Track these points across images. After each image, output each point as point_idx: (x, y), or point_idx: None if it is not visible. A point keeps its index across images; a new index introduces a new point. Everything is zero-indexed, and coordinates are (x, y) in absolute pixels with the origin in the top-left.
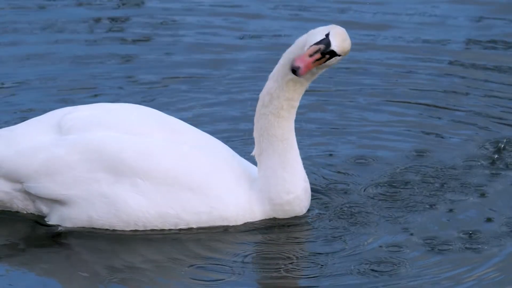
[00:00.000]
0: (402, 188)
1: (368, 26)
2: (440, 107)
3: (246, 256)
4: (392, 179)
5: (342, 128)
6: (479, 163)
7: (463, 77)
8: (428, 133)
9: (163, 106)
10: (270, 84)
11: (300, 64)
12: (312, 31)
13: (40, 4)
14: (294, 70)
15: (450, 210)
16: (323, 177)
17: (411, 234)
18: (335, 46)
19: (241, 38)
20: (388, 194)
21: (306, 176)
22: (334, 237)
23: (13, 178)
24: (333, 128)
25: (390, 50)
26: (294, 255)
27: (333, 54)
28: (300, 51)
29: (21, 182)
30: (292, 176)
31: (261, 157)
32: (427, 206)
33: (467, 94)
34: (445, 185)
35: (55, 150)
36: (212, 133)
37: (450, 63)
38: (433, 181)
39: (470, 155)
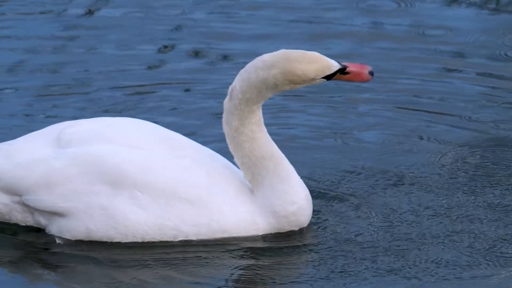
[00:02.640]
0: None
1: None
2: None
3: (242, 276)
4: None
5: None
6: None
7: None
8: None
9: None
10: (229, 118)
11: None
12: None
13: None
14: (371, 72)
15: (458, 227)
16: (318, 184)
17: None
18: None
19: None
20: (386, 203)
21: (303, 183)
22: (334, 256)
23: (12, 191)
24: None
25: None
26: (291, 274)
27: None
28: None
29: (20, 195)
30: (292, 187)
31: (254, 180)
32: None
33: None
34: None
35: (54, 163)
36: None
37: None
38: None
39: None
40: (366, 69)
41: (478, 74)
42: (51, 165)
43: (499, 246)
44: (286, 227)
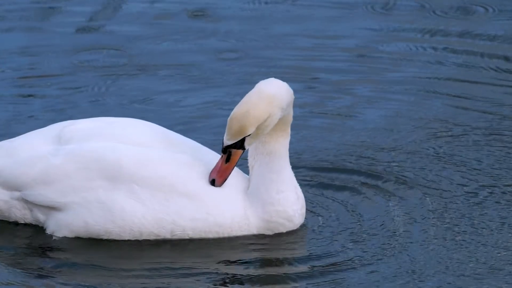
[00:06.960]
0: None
1: None
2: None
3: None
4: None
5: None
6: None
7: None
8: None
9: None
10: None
11: (213, 175)
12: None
13: None
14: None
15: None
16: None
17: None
18: (225, 139)
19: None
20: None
21: (298, 186)
22: (328, 253)
23: (11, 187)
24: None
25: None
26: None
27: (237, 146)
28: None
29: (19, 190)
30: (280, 177)
31: (251, 172)
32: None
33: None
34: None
35: (52, 159)
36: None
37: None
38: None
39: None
40: (212, 175)
41: None
42: (50, 161)
43: None
44: (274, 218)
